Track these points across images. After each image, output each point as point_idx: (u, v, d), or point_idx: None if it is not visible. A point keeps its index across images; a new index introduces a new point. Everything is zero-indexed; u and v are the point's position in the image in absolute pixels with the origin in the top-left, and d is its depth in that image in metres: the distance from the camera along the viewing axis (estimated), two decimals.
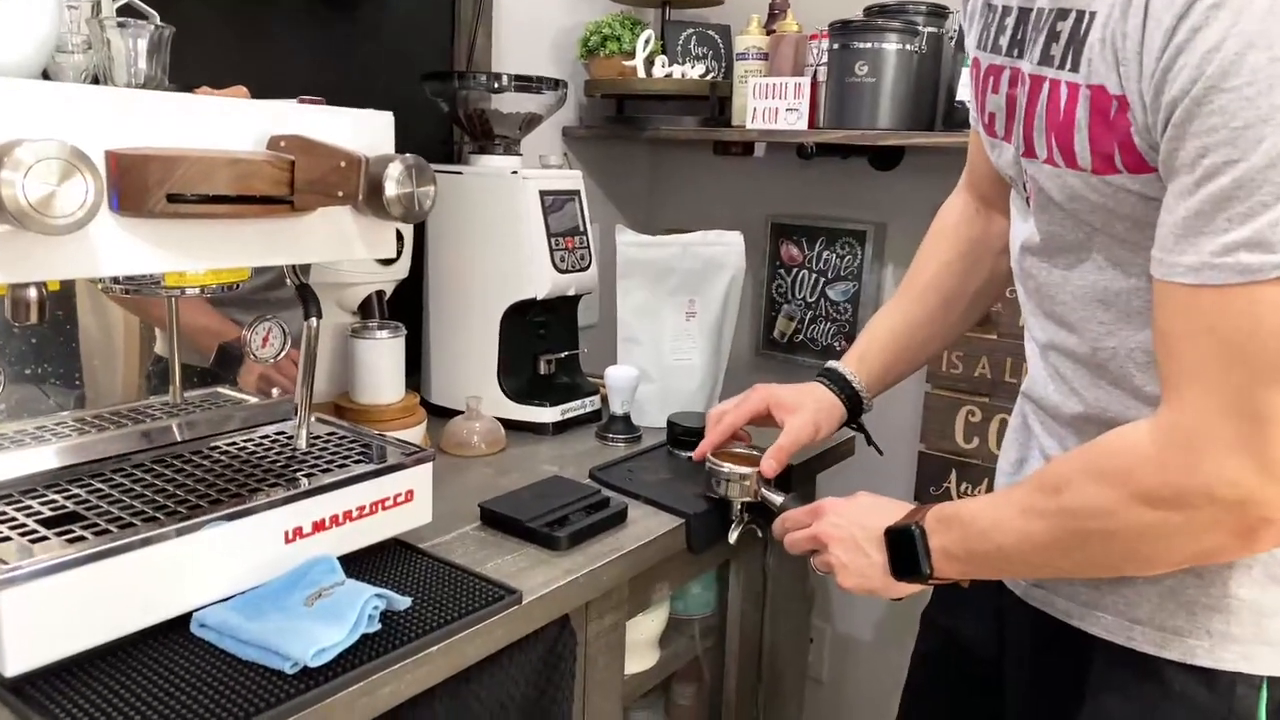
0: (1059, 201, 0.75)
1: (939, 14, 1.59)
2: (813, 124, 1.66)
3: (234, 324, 1.03)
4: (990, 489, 1.06)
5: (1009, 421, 0.99)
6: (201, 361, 1.05)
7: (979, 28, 0.86)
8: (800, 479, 1.35)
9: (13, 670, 0.70)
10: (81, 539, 0.76)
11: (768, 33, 1.76)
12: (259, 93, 0.89)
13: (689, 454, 1.24)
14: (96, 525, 0.78)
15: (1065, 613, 0.85)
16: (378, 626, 0.81)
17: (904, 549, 0.84)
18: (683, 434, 1.30)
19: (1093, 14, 0.68)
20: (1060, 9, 0.71)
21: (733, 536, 1.12)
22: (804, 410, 1.08)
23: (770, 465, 1.08)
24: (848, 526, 0.90)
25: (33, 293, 0.73)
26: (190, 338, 1.02)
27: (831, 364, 1.13)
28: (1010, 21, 0.80)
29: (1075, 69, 0.69)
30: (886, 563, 0.85)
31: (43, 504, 0.83)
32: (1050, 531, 0.73)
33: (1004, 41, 0.81)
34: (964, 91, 1.03)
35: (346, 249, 0.88)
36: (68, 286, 0.97)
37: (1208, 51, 0.59)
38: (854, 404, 1.11)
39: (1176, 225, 0.64)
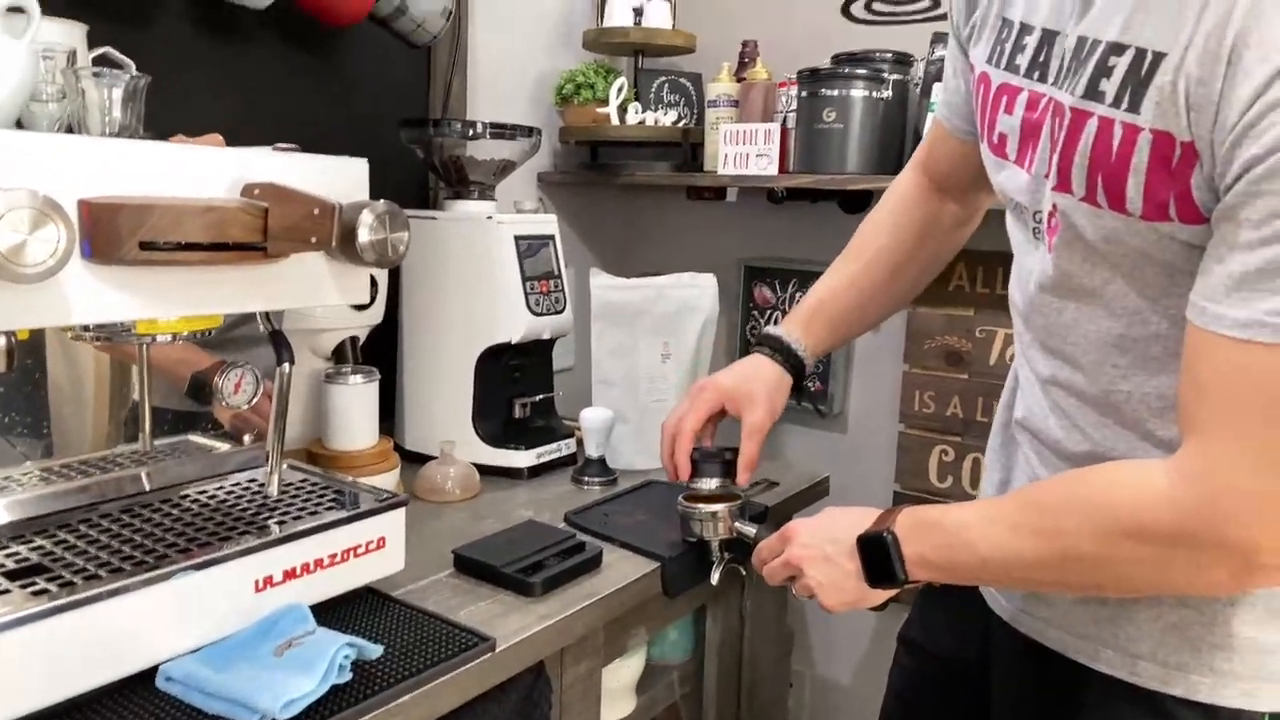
0: (1091, 241, 0.73)
1: (904, 62, 1.63)
2: (783, 169, 1.69)
3: (206, 354, 1.02)
4: None
5: (989, 443, 0.99)
6: (176, 394, 1.04)
7: (990, 41, 0.83)
8: (777, 521, 1.35)
9: None
10: (45, 591, 0.74)
11: (738, 80, 1.80)
12: (235, 140, 0.90)
13: (714, 481, 1.11)
14: (61, 577, 0.77)
15: (1059, 643, 0.85)
16: (349, 676, 0.80)
17: (877, 556, 0.83)
18: (698, 458, 1.12)
19: (1158, 54, 0.65)
20: (1114, 44, 0.68)
21: (714, 577, 1.12)
22: (757, 401, 1.08)
23: (745, 476, 1.09)
24: (818, 545, 0.89)
25: (1, 341, 0.73)
26: (164, 368, 1.01)
27: (775, 332, 1.12)
28: (1031, 41, 0.78)
29: (1134, 110, 0.66)
30: (860, 570, 0.85)
31: (6, 556, 0.81)
32: (1042, 552, 0.74)
33: (1022, 62, 0.78)
34: (943, 98, 1.01)
35: (320, 295, 0.88)
36: (37, 335, 0.96)
37: None
38: (798, 372, 1.11)
39: (1231, 278, 0.63)
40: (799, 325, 1.11)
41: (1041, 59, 0.77)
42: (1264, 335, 0.62)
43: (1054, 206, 0.75)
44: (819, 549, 0.89)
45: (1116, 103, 0.68)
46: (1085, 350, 0.78)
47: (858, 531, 0.85)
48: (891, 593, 0.87)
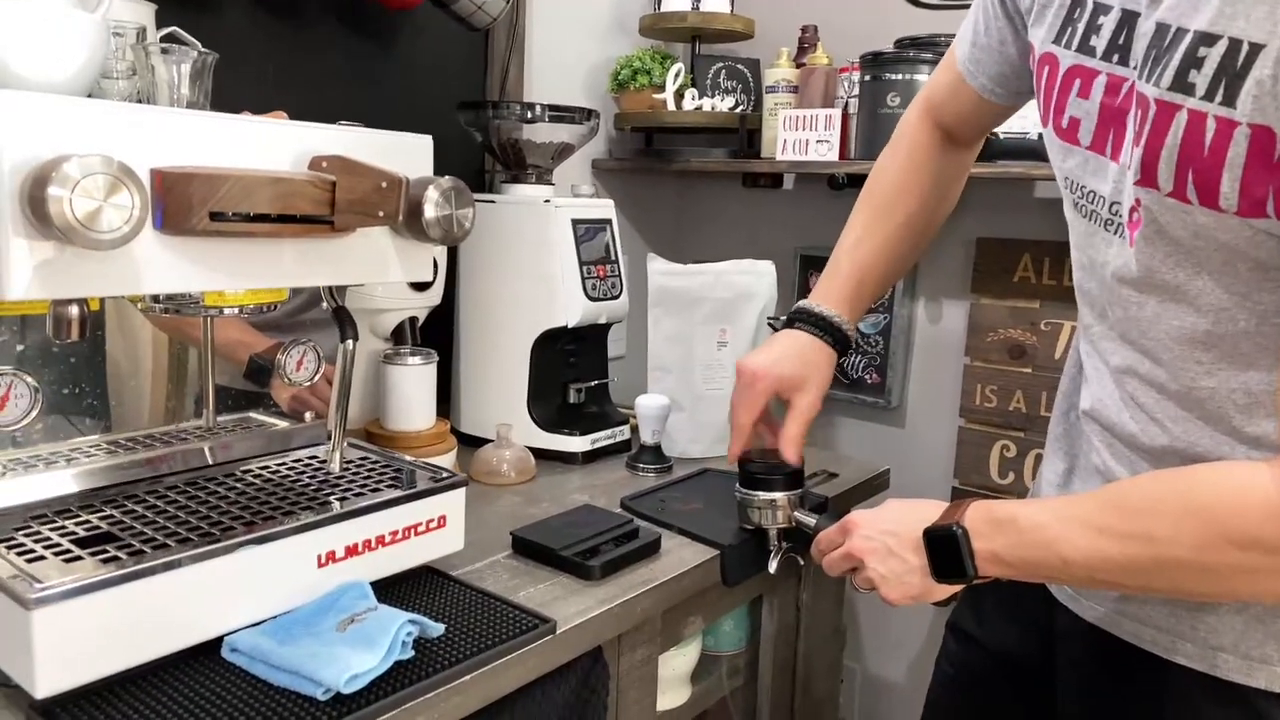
0: (1177, 237, 0.70)
1: None
2: (844, 155, 1.66)
3: (265, 336, 1.02)
4: None
5: (1049, 430, 0.96)
6: (235, 375, 1.05)
7: (1057, 20, 0.80)
8: (837, 511, 1.32)
9: (44, 692, 0.69)
10: (115, 559, 0.75)
11: (797, 66, 1.77)
12: (297, 120, 0.90)
13: (775, 494, 1.09)
14: (130, 546, 0.77)
15: (1135, 635, 0.82)
16: (411, 653, 0.80)
17: (946, 551, 0.80)
18: (761, 471, 1.10)
19: (1256, 45, 0.61)
20: (1204, 33, 0.64)
21: (773, 566, 1.09)
22: (810, 384, 1.07)
23: (793, 454, 1.07)
24: (879, 537, 0.87)
25: (75, 310, 0.73)
26: (223, 350, 1.02)
27: (822, 311, 1.08)
28: (1107, 22, 0.74)
29: (1230, 104, 0.63)
30: (926, 565, 0.82)
31: (77, 524, 0.82)
32: (1131, 555, 0.71)
33: (1098, 44, 0.75)
34: (967, 52, 0.98)
35: (384, 271, 0.87)
36: (97, 311, 0.97)
37: None
38: (844, 348, 1.10)
39: None
40: (845, 302, 1.08)
41: (1121, 41, 0.73)
42: None
43: (1136, 201, 0.72)
44: (881, 541, 0.87)
45: (1209, 95, 0.64)
46: (1167, 345, 0.75)
47: (924, 525, 0.83)
48: (958, 588, 0.84)
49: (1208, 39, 0.64)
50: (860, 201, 1.10)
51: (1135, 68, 0.71)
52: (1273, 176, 0.62)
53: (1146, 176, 0.69)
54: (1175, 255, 0.71)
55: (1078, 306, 0.88)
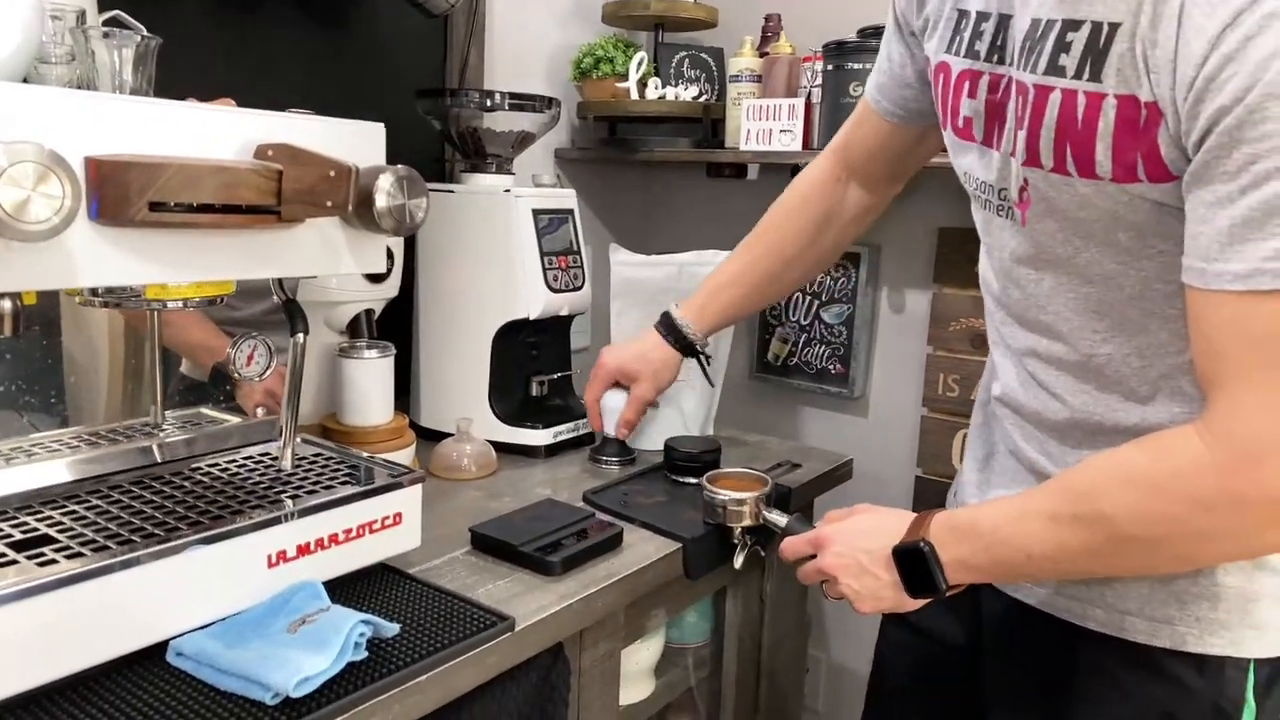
0: (1064, 209, 0.75)
1: None
2: (807, 145, 1.65)
3: (229, 341, 1.00)
4: None
5: (971, 422, 1.01)
6: (201, 376, 1.03)
7: (946, 32, 0.86)
8: (798, 504, 1.32)
9: None
10: (53, 562, 0.72)
11: (761, 55, 1.76)
12: (248, 107, 0.87)
13: (690, 480, 1.27)
14: (69, 549, 0.75)
15: (1049, 604, 0.86)
16: (364, 654, 0.78)
17: (915, 568, 0.82)
18: (681, 459, 1.28)
19: (1114, 25, 0.68)
20: (1069, 20, 0.71)
21: (738, 562, 1.09)
22: (643, 377, 1.28)
23: (623, 432, 1.32)
24: (851, 554, 0.88)
25: (6, 304, 0.70)
26: (188, 354, 0.99)
27: (673, 313, 1.26)
28: (988, 28, 0.81)
29: (1096, 79, 0.69)
30: (898, 580, 0.84)
31: (13, 526, 0.79)
32: (1086, 537, 0.72)
33: (981, 48, 0.81)
34: (874, 80, 1.04)
35: (335, 262, 0.85)
36: (51, 305, 0.94)
37: (1264, 59, 0.59)
38: (688, 348, 1.27)
39: (1220, 234, 0.63)
40: (694, 311, 1.25)
41: (999, 43, 0.79)
42: (1267, 283, 0.62)
43: (1025, 181, 0.77)
44: (853, 558, 0.88)
45: (1078, 74, 0.70)
46: (1065, 317, 0.80)
47: (892, 541, 0.84)
48: (929, 600, 0.84)
49: (1073, 25, 0.71)
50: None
51: (1012, 64, 0.78)
52: (1138, 142, 0.68)
53: (1031, 157, 0.75)
54: (1065, 229, 0.76)
55: (983, 298, 0.93)
